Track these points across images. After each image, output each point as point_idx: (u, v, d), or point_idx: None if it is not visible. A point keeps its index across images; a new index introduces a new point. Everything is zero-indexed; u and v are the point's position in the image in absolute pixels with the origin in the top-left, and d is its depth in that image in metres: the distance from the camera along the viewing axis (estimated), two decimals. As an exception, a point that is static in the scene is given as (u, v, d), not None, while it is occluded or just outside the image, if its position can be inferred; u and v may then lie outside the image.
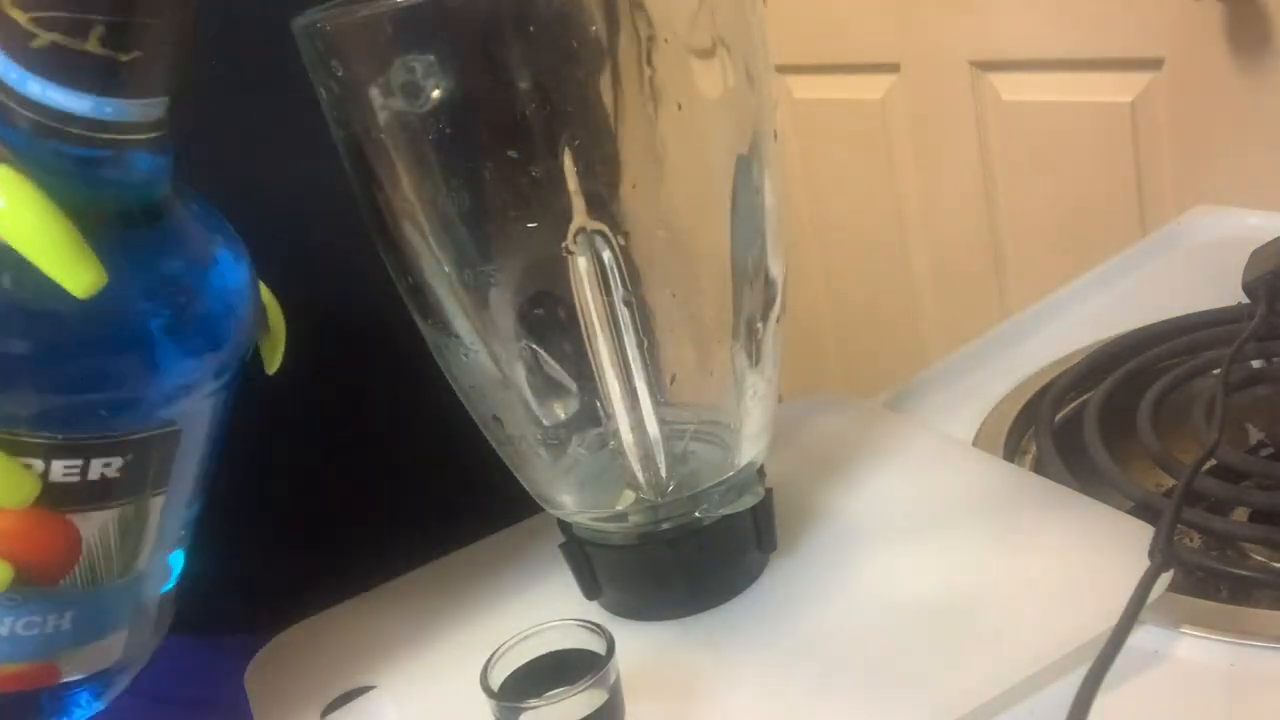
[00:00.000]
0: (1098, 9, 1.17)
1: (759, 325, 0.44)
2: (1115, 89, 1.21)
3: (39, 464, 0.32)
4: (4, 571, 0.32)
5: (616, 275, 0.41)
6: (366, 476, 0.58)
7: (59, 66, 0.30)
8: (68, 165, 0.31)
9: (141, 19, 0.30)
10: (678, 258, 0.43)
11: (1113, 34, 1.18)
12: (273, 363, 0.41)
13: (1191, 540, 0.49)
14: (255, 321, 0.38)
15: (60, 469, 0.33)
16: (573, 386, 0.43)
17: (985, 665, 0.40)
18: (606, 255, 0.40)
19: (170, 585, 0.40)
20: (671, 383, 0.44)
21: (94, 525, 0.34)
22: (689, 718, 0.41)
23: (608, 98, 0.39)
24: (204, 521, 0.58)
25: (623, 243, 0.40)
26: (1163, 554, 0.40)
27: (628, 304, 0.41)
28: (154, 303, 0.33)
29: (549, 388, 0.43)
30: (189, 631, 0.60)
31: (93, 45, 0.30)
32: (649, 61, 0.39)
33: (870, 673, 0.41)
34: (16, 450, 0.32)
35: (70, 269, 0.30)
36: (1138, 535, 0.43)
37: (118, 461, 0.34)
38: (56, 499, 0.33)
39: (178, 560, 0.39)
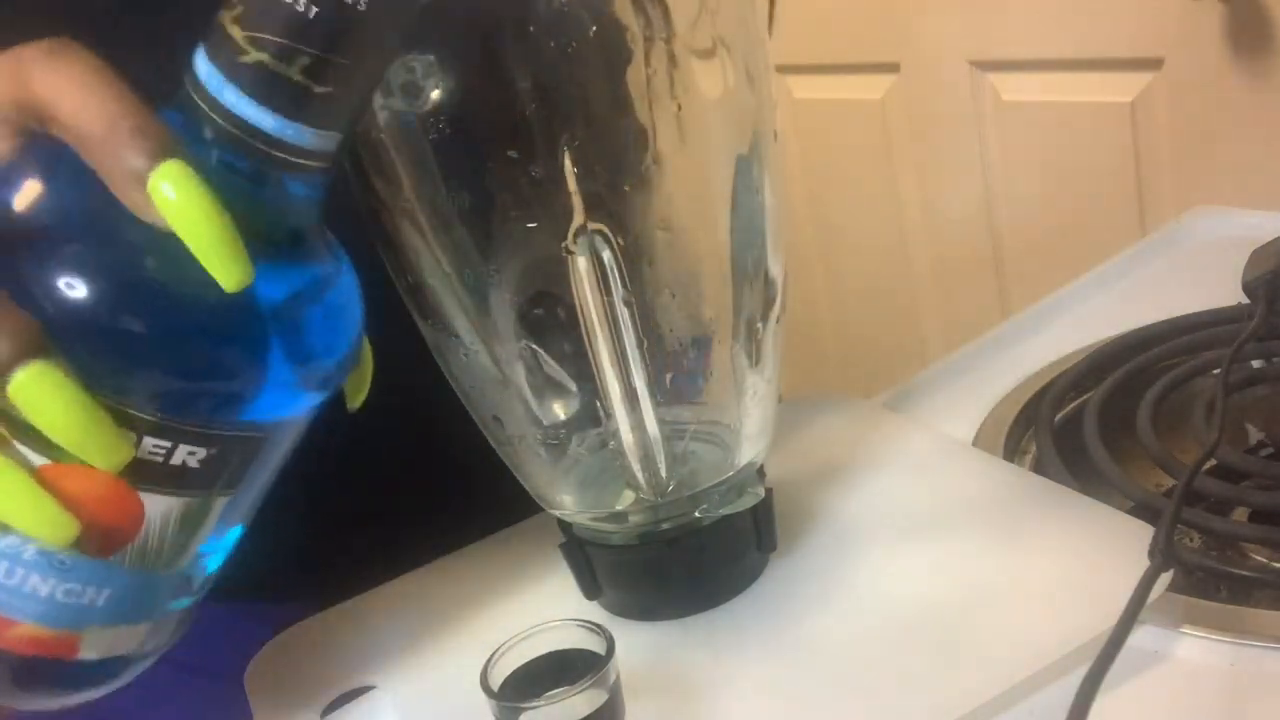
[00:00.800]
0: (1098, 9, 1.17)
1: (759, 325, 0.44)
2: (1115, 89, 1.21)
3: (132, 436, 0.34)
4: (73, 528, 0.33)
5: (616, 275, 0.41)
6: (366, 476, 0.58)
7: (259, 83, 0.32)
8: (238, 175, 0.33)
9: (344, 59, 0.32)
10: (678, 258, 0.43)
11: (1113, 34, 1.18)
12: (356, 399, 0.42)
13: (1191, 540, 0.49)
14: (358, 353, 0.39)
15: (149, 445, 0.34)
16: (573, 386, 0.43)
17: (985, 665, 0.40)
18: (606, 255, 0.40)
19: (192, 600, 0.40)
20: (671, 383, 0.44)
21: (159, 508, 0.35)
22: (689, 718, 0.41)
23: (608, 98, 0.39)
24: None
25: (623, 243, 0.40)
26: (1163, 554, 0.40)
27: (628, 304, 0.41)
28: (281, 313, 0.35)
29: (549, 388, 0.43)
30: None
31: (294, 72, 0.32)
32: (649, 62, 0.39)
33: (870, 672, 0.41)
34: (119, 419, 0.33)
35: (225, 263, 0.32)
36: (1138, 535, 0.43)
37: (201, 453, 0.35)
38: (136, 473, 0.34)
39: (205, 575, 0.40)
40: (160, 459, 0.34)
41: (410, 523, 0.57)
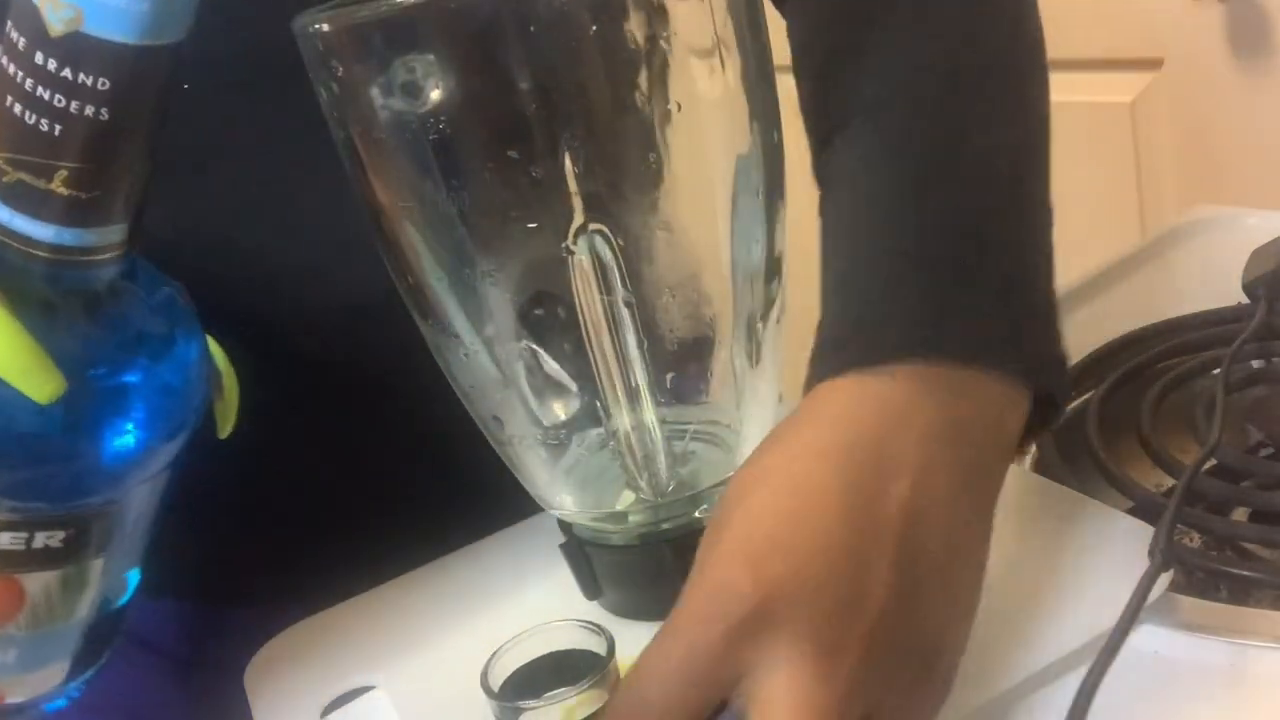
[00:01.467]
0: (1098, 9, 1.17)
1: (759, 325, 0.44)
2: (1115, 89, 1.21)
3: None
4: None
5: (616, 275, 0.41)
6: (367, 476, 0.58)
7: (24, 199, 0.33)
8: (32, 275, 0.34)
9: (100, 165, 0.33)
10: (678, 258, 0.43)
11: (1113, 34, 1.18)
12: (225, 428, 0.43)
13: (1191, 540, 0.49)
14: (203, 405, 0.41)
15: (7, 539, 0.36)
16: (573, 386, 0.43)
17: (985, 665, 0.40)
18: (606, 255, 0.40)
19: (125, 599, 0.41)
20: (671, 383, 0.44)
21: (38, 584, 0.37)
22: (689, 718, 0.41)
23: (608, 98, 0.39)
24: (209, 511, 0.58)
25: (622, 243, 0.40)
26: (1163, 554, 0.40)
27: (628, 304, 0.41)
28: (106, 392, 0.36)
29: (549, 388, 0.43)
30: (202, 600, 0.61)
31: (56, 185, 0.33)
32: (649, 62, 0.39)
33: (870, 673, 0.41)
34: None
35: (35, 382, 0.34)
36: (1138, 535, 0.43)
37: (60, 534, 0.37)
38: (6, 563, 0.36)
39: (134, 577, 0.41)
40: (21, 547, 0.36)
41: (410, 523, 0.57)
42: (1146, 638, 0.41)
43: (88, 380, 0.35)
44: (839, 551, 0.33)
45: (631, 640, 0.46)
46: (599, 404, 0.43)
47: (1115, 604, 0.37)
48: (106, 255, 0.35)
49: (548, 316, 0.42)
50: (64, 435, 0.36)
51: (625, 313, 0.41)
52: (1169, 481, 0.52)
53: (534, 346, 0.42)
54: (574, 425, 0.44)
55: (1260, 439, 0.52)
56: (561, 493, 0.46)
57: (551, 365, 0.43)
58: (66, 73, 0.32)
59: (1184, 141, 1.19)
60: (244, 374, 0.56)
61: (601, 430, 0.44)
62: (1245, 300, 0.61)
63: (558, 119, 0.38)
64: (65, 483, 0.36)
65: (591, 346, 0.42)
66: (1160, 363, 0.59)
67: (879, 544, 0.33)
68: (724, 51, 0.41)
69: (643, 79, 0.39)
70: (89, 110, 0.32)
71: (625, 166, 0.40)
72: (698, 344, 0.44)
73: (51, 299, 0.35)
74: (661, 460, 0.44)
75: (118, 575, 0.40)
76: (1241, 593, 0.45)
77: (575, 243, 0.40)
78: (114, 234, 0.35)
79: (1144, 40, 1.17)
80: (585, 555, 0.46)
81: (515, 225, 0.40)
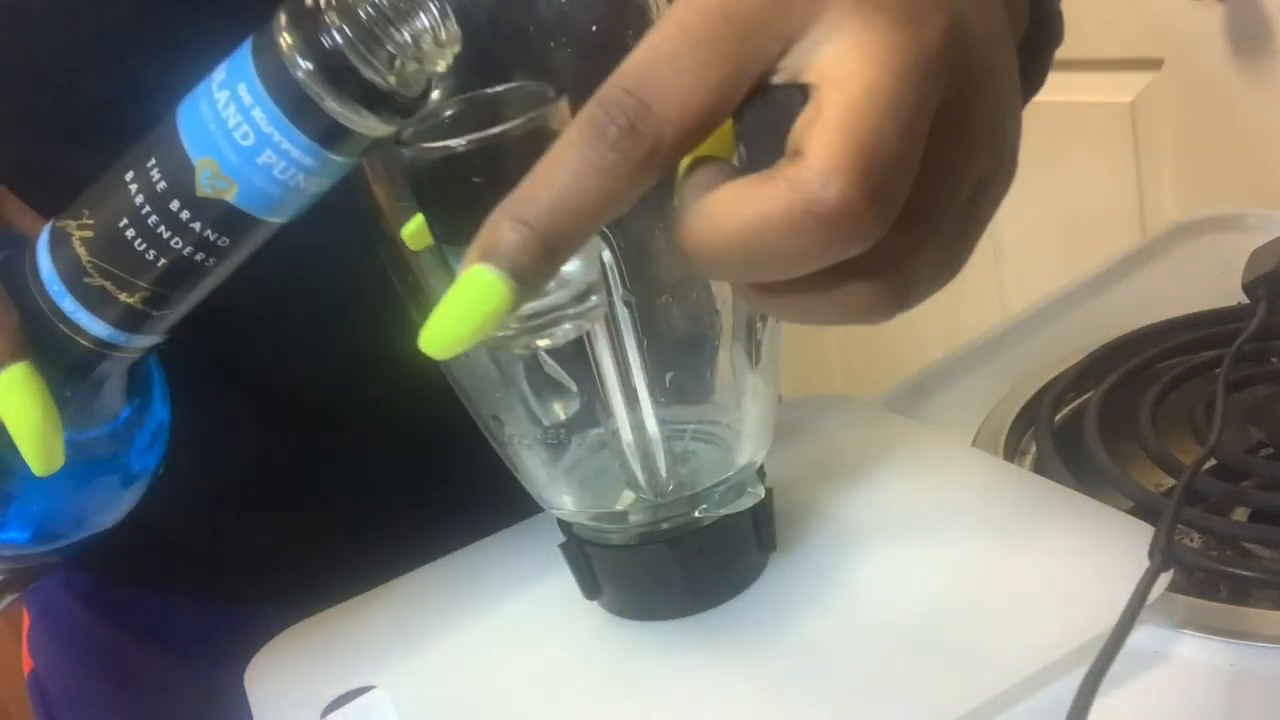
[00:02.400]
0: (1098, 9, 1.17)
1: (759, 325, 0.44)
2: (1115, 89, 1.21)
3: None
4: None
5: (616, 275, 0.41)
6: (366, 476, 0.58)
7: (97, 303, 0.35)
8: (66, 356, 0.36)
9: (183, 295, 0.35)
10: (677, 258, 0.43)
11: (1113, 34, 1.18)
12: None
13: (1191, 540, 0.49)
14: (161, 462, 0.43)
15: None
16: (573, 386, 0.43)
17: (985, 665, 0.40)
18: (606, 255, 0.40)
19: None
20: (671, 383, 0.44)
21: None
22: (689, 718, 0.41)
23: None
24: (209, 512, 0.58)
25: (622, 243, 0.40)
26: (1163, 554, 0.40)
27: (628, 304, 0.41)
28: (89, 467, 0.39)
29: (549, 388, 0.43)
30: (202, 600, 0.61)
31: (134, 300, 0.35)
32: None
33: (869, 672, 0.41)
34: None
35: (43, 456, 0.35)
36: (1138, 535, 0.43)
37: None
38: None
39: None
40: None
41: (410, 523, 0.57)
42: (1146, 638, 0.41)
43: (77, 453, 0.38)
44: None
45: (631, 640, 0.46)
46: (599, 404, 0.43)
47: (1115, 604, 0.37)
48: (138, 353, 0.37)
49: (547, 316, 0.42)
50: (27, 499, 0.38)
51: (625, 313, 0.41)
52: (1169, 481, 0.52)
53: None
54: (574, 425, 0.44)
55: (1260, 439, 0.52)
56: (561, 493, 0.46)
57: (551, 365, 0.43)
58: (195, 225, 0.33)
59: (1184, 141, 1.19)
60: (244, 375, 0.56)
61: (601, 430, 0.44)
62: (1245, 300, 0.61)
63: (558, 119, 0.38)
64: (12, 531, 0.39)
65: (591, 346, 0.42)
66: (1160, 363, 0.59)
67: None
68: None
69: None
70: (198, 256, 0.34)
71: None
72: (697, 344, 0.44)
73: (73, 378, 0.37)
74: (661, 460, 0.44)
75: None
76: (1241, 593, 0.45)
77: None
78: (156, 339, 0.37)
79: (1144, 40, 1.17)
80: (585, 555, 0.46)
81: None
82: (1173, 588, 0.42)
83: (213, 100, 0.32)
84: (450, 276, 0.29)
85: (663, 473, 0.45)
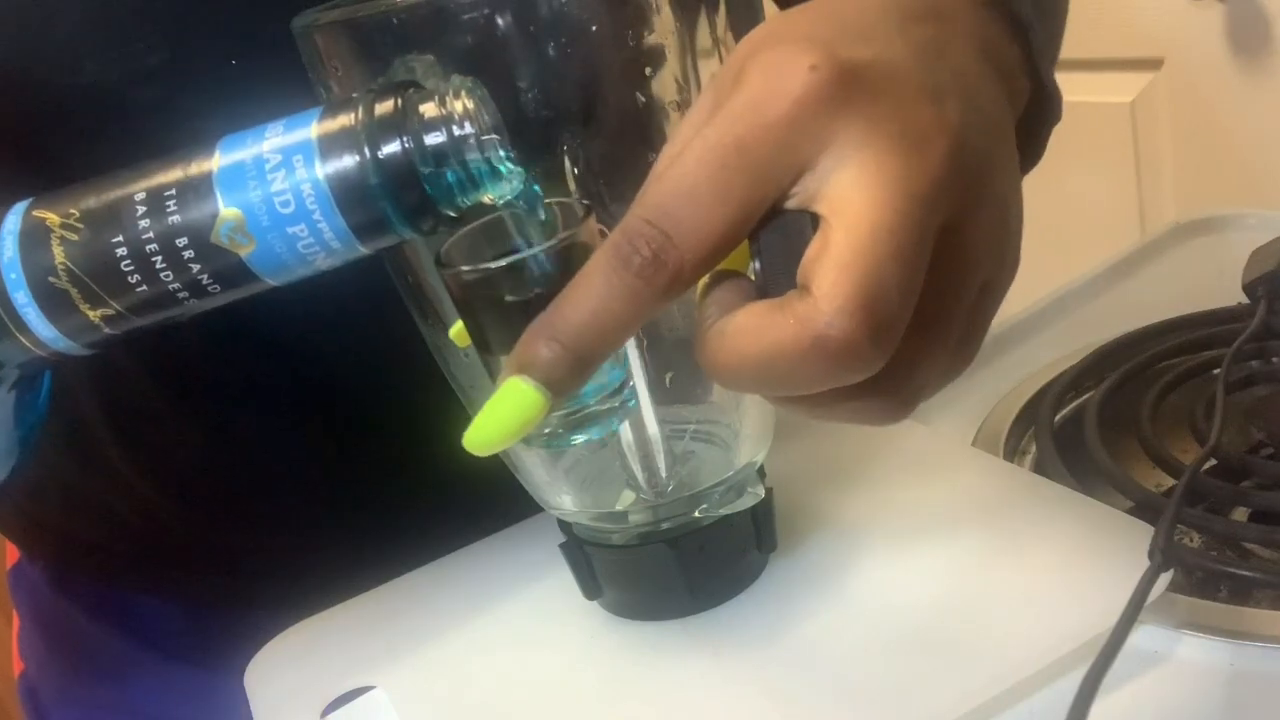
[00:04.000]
0: (1098, 9, 1.17)
1: (759, 325, 0.44)
2: (1115, 89, 1.21)
3: None
4: None
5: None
6: (366, 477, 0.58)
7: (55, 305, 0.33)
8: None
9: (145, 323, 0.34)
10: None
11: (1113, 34, 1.18)
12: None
13: (1191, 540, 0.49)
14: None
15: None
16: (572, 386, 0.43)
17: (985, 665, 0.40)
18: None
19: None
20: (671, 383, 0.44)
21: None
22: (689, 718, 0.41)
23: (608, 98, 0.39)
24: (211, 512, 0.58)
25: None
26: (1163, 554, 0.40)
27: (627, 304, 0.41)
28: None
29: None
30: (203, 601, 0.61)
31: (94, 316, 0.33)
32: (649, 62, 0.39)
33: (869, 672, 0.41)
34: None
35: None
36: (1138, 535, 0.43)
37: None
38: None
39: None
40: None
41: (410, 523, 0.57)
42: (1146, 638, 0.41)
43: None
44: (915, 47, 0.29)
45: (631, 640, 0.46)
46: (599, 404, 0.43)
47: (1115, 604, 0.37)
48: (62, 358, 0.36)
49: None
50: None
51: (625, 313, 0.41)
52: (1169, 481, 0.52)
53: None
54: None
55: (1260, 439, 0.52)
56: (561, 493, 0.46)
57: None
58: (195, 268, 0.32)
59: (1184, 141, 1.19)
60: (244, 377, 0.56)
61: (601, 430, 0.44)
62: (1245, 300, 0.61)
63: (558, 119, 0.38)
64: None
65: (591, 346, 0.42)
66: (1160, 363, 0.59)
67: (943, 66, 0.30)
68: (724, 51, 0.41)
69: (643, 79, 0.39)
70: (182, 294, 0.33)
71: (625, 166, 0.40)
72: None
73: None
74: (661, 460, 0.44)
75: None
76: (1241, 593, 0.45)
77: (575, 243, 0.40)
78: (90, 352, 0.36)
79: (1144, 40, 1.17)
80: (585, 555, 0.46)
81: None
82: (1173, 588, 0.42)
83: (261, 159, 0.31)
84: (491, 381, 0.32)
85: (663, 473, 0.45)
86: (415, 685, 0.46)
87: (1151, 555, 0.40)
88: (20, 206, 0.34)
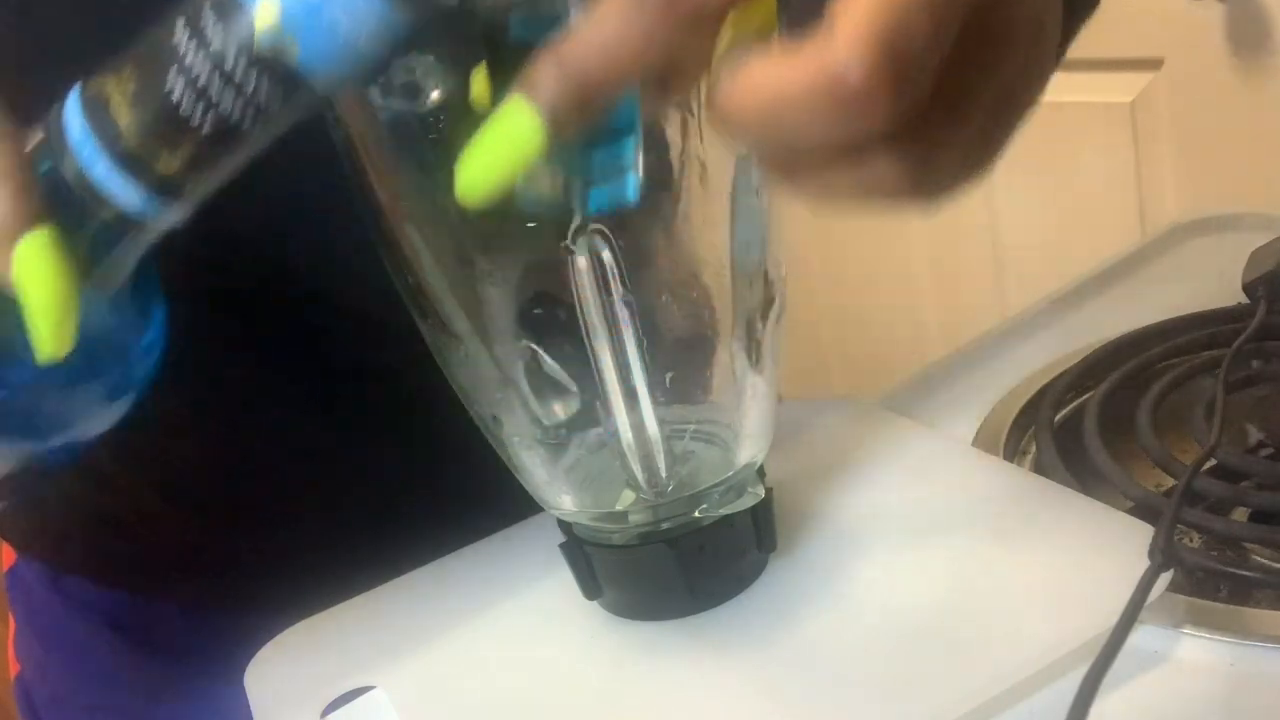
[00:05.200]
0: (1098, 9, 1.17)
1: (759, 325, 0.44)
2: (1115, 89, 1.21)
3: None
4: None
5: (616, 275, 0.41)
6: (366, 477, 0.58)
7: (132, 167, 0.33)
8: (89, 229, 0.34)
9: (223, 167, 0.34)
10: (677, 257, 0.43)
11: (1113, 34, 1.18)
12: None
13: (1191, 540, 0.49)
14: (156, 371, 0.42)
15: None
16: (573, 386, 0.43)
17: (985, 665, 0.40)
18: (606, 255, 0.40)
19: None
20: (671, 383, 0.44)
21: None
22: (688, 718, 0.41)
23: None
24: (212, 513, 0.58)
25: (622, 243, 0.40)
26: (1163, 554, 0.40)
27: (627, 304, 0.41)
28: (85, 358, 0.37)
29: (549, 388, 0.43)
30: (202, 602, 0.61)
31: (169, 166, 0.33)
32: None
33: (869, 672, 0.41)
34: None
35: (52, 338, 0.33)
36: (1138, 535, 0.43)
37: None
38: None
39: None
40: None
41: (410, 523, 0.57)
42: (1146, 638, 0.41)
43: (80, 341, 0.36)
44: None
45: (631, 640, 0.46)
46: (599, 404, 0.43)
47: (1115, 604, 0.37)
48: (157, 233, 0.35)
49: (547, 316, 0.42)
50: (34, 384, 0.36)
51: (625, 313, 0.41)
52: (1169, 481, 0.52)
53: (534, 346, 0.42)
54: (574, 425, 0.44)
55: (1260, 439, 0.52)
56: (561, 493, 0.46)
57: (551, 365, 0.43)
58: (249, 86, 0.32)
59: (1184, 141, 1.19)
60: (242, 378, 0.56)
61: (601, 430, 0.44)
62: (1245, 300, 0.61)
63: (557, 119, 0.38)
64: (24, 435, 0.38)
65: (591, 346, 0.42)
66: (1160, 363, 0.59)
67: None
68: (724, 51, 0.40)
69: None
70: (246, 120, 0.32)
71: (625, 166, 0.40)
72: (697, 344, 0.44)
73: (93, 257, 0.35)
74: (661, 460, 0.44)
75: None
76: (1241, 593, 0.45)
77: (574, 242, 0.40)
78: (182, 216, 0.35)
79: (1144, 40, 1.17)
80: (585, 555, 0.46)
81: (515, 225, 0.40)
82: (1173, 588, 0.42)
83: None
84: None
85: (663, 473, 0.45)
86: (415, 685, 0.46)
87: (1151, 555, 0.40)
88: (75, 89, 0.33)
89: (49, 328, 0.33)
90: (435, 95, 0.38)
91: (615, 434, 0.44)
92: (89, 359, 0.37)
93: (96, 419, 0.40)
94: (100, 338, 0.37)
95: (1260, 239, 0.65)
